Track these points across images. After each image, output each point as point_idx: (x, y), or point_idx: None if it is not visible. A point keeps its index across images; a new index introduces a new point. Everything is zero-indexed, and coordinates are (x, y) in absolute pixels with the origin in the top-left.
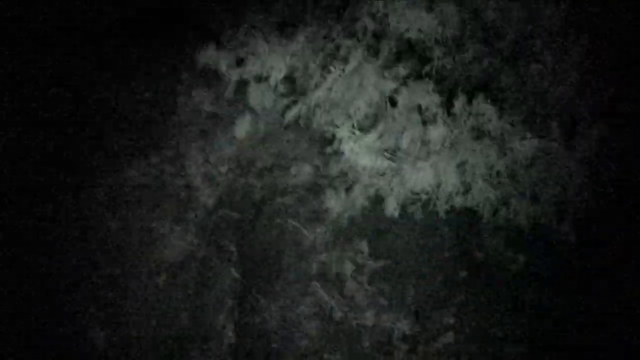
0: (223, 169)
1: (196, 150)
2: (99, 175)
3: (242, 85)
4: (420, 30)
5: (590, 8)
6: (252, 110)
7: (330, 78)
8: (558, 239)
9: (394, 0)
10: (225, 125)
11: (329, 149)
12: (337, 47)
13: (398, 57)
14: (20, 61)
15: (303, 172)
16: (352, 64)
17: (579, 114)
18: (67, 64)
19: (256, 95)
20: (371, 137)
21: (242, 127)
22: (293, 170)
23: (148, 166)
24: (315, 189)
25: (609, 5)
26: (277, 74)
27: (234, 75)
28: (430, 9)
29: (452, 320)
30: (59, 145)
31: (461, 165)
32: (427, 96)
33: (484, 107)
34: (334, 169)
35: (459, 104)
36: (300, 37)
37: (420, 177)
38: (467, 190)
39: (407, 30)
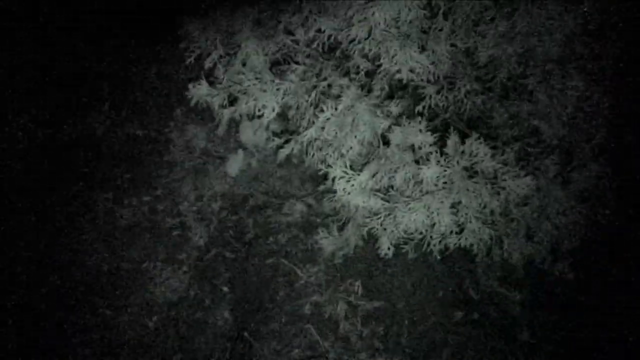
0: (215, 207)
1: (188, 188)
2: (90, 213)
3: (235, 122)
4: (412, 71)
5: (584, 47)
6: (244, 148)
7: (322, 117)
8: (554, 277)
9: (386, 41)
10: (218, 162)
11: (321, 187)
12: (330, 86)
13: (390, 95)
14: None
15: (296, 210)
16: (345, 102)
17: (573, 151)
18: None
19: (248, 133)
20: (364, 177)
21: (235, 164)
22: (286, 208)
23: (140, 204)
24: (308, 228)
25: (602, 45)
26: (270, 113)
27: (226, 114)
28: (422, 49)
29: None
30: (50, 181)
31: (455, 205)
32: (420, 135)
33: (477, 146)
34: (327, 207)
35: (451, 143)
36: (293, 76)
37: (414, 217)
38: (461, 230)
39: (399, 71)
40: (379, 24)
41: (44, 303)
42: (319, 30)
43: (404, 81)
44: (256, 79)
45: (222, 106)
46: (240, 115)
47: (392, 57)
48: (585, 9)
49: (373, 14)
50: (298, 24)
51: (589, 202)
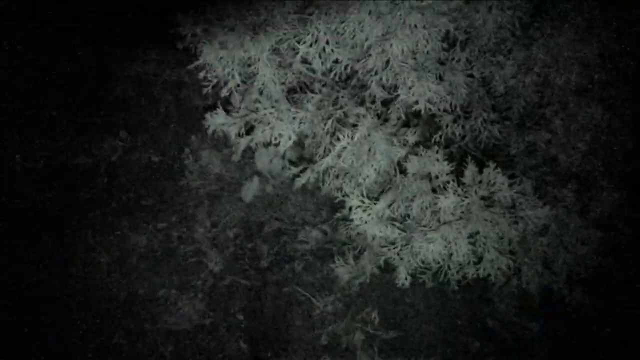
0: (231, 234)
1: (204, 215)
2: (104, 240)
3: (250, 149)
4: (429, 101)
5: (600, 76)
6: (260, 174)
7: (339, 145)
8: (571, 305)
9: (403, 72)
10: (233, 188)
11: (337, 215)
12: (346, 114)
13: (407, 124)
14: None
15: (311, 238)
16: (361, 131)
17: (591, 179)
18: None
19: (264, 161)
20: (380, 205)
21: (250, 191)
22: (301, 235)
23: (156, 231)
24: (323, 255)
25: (619, 72)
26: (286, 142)
27: (242, 143)
28: (440, 79)
29: None
30: (65, 207)
31: (472, 235)
32: (437, 164)
33: (494, 175)
34: (342, 235)
35: (469, 172)
36: (309, 105)
37: (431, 247)
38: (479, 259)
39: (417, 102)
40: (397, 55)
41: (57, 330)
42: (335, 61)
43: (422, 111)
44: (272, 107)
45: (239, 135)
46: (256, 144)
47: (410, 88)
48: (601, 38)
49: (391, 45)
50: (315, 55)
51: (606, 230)
